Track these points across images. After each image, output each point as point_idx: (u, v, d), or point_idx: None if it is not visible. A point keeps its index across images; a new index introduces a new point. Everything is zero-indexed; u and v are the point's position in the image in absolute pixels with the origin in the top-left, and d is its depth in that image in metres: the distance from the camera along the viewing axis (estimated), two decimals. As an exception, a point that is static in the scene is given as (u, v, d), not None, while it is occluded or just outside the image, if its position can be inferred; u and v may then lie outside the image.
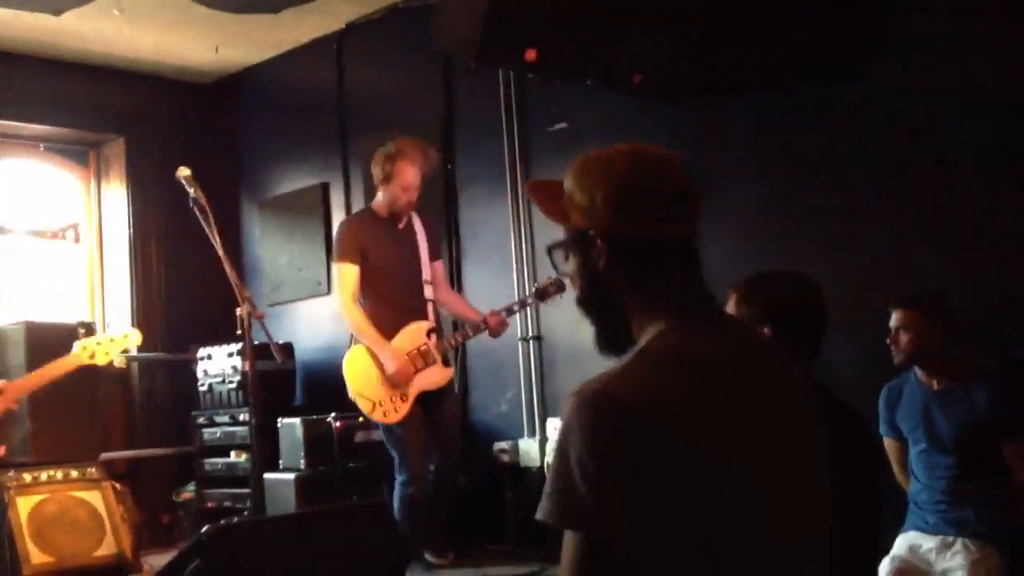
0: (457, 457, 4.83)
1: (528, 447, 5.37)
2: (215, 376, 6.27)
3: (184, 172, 4.16)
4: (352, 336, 4.74)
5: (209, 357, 6.32)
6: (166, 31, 6.40)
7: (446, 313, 5.03)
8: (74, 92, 6.87)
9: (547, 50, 4.45)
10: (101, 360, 4.32)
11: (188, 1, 5.89)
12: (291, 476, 5.39)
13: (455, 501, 5.55)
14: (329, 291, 6.47)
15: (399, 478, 4.65)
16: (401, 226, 4.80)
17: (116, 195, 7.18)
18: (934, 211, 4.21)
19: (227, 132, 7.29)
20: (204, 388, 6.34)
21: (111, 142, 7.23)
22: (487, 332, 4.81)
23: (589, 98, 5.11)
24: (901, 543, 3.57)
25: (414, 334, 4.69)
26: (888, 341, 3.61)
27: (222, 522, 4.29)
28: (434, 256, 4.89)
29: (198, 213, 4.16)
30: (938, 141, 4.18)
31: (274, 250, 6.89)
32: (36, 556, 4.41)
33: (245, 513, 5.76)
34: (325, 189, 6.66)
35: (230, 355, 6.17)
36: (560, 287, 4.79)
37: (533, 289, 4.93)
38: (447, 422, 4.79)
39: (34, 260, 6.94)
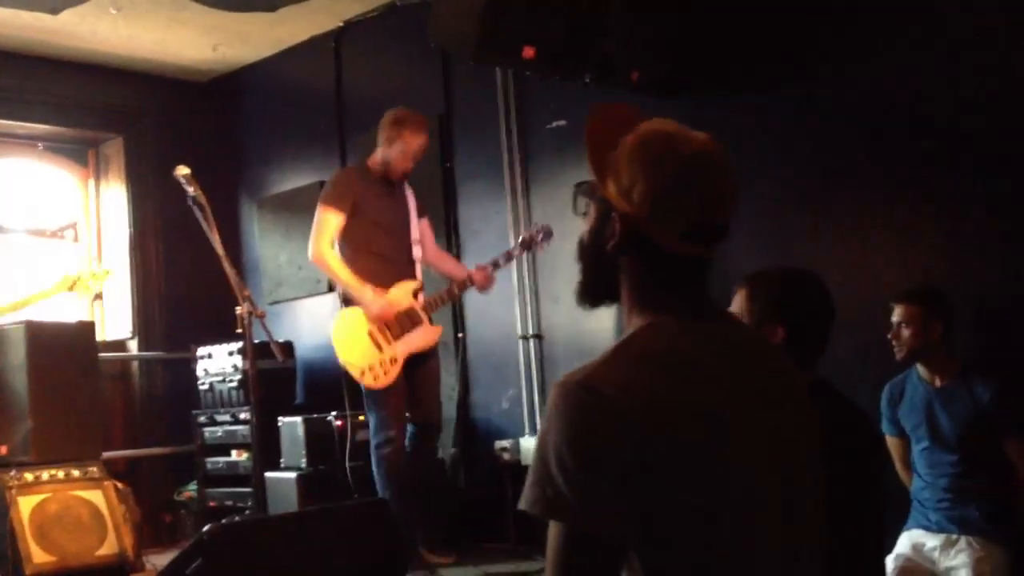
0: (438, 419, 4.82)
1: (529, 445, 5.37)
2: (216, 375, 6.27)
3: (183, 171, 4.16)
4: (340, 295, 4.70)
5: (209, 356, 6.32)
6: (164, 29, 6.40)
7: (433, 271, 5.05)
8: (72, 91, 6.86)
9: (544, 47, 4.46)
10: (82, 291, 4.33)
11: (186, -1, 5.89)
12: (292, 475, 5.39)
13: (454, 499, 5.58)
14: (330, 290, 6.47)
15: (375, 439, 4.61)
16: (394, 188, 4.83)
17: (115, 194, 7.18)
18: (936, 207, 4.21)
19: (225, 130, 7.29)
20: (205, 387, 6.34)
21: (110, 141, 7.22)
22: (475, 288, 4.84)
23: (587, 95, 5.11)
24: (904, 541, 3.57)
25: (401, 294, 4.66)
26: (889, 336, 3.61)
27: (224, 521, 4.29)
28: (421, 213, 4.91)
29: (197, 212, 4.16)
30: (942, 137, 4.18)
31: (274, 248, 6.89)
32: (38, 555, 4.42)
33: (247, 512, 5.76)
34: (323, 187, 6.65)
35: (230, 354, 6.17)
36: (547, 235, 4.83)
37: (519, 240, 4.96)
38: (429, 383, 4.76)
39: (33, 259, 6.93)
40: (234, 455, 6.09)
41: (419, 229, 4.86)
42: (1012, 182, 4.00)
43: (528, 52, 4.42)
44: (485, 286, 4.85)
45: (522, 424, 5.57)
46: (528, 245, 4.87)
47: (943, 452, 3.54)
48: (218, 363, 6.26)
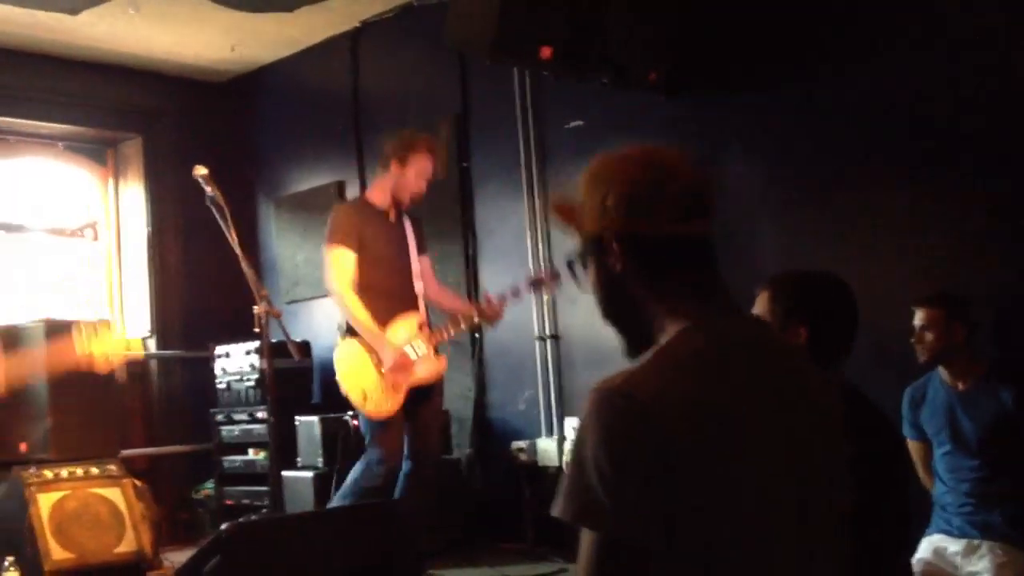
0: (437, 454, 4.66)
1: (546, 446, 5.37)
2: (233, 374, 6.29)
3: (201, 171, 4.17)
4: (342, 326, 4.59)
5: (227, 355, 6.35)
6: (182, 30, 6.43)
7: (435, 308, 4.88)
8: (91, 91, 6.91)
9: (562, 48, 4.46)
10: (100, 367, 4.24)
11: (204, 0, 5.91)
12: (309, 474, 5.40)
13: (470, 500, 5.58)
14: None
15: (364, 466, 4.47)
16: (392, 219, 4.66)
17: (134, 193, 7.22)
18: (957, 209, 4.19)
19: (243, 130, 7.32)
20: (222, 386, 6.36)
21: (129, 141, 7.27)
22: (481, 320, 4.70)
23: (604, 96, 5.11)
24: (926, 546, 3.55)
25: (406, 327, 4.54)
26: (912, 340, 3.59)
27: (241, 519, 4.32)
28: (421, 250, 4.76)
29: (215, 211, 4.18)
30: (961, 138, 4.16)
31: (291, 248, 6.91)
32: (57, 552, 4.44)
33: (263, 511, 5.78)
34: (341, 187, 6.68)
35: (248, 353, 6.19)
36: (555, 277, 4.73)
37: (529, 279, 4.85)
38: (431, 417, 4.62)
39: (53, 258, 6.98)
40: (251, 454, 6.12)
41: (420, 264, 4.70)
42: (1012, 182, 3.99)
43: (545, 52, 4.42)
44: (495, 319, 4.69)
45: (539, 425, 5.57)
46: (537, 285, 4.78)
47: (965, 456, 3.52)
48: (235, 362, 6.29)
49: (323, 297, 6.66)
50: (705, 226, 1.49)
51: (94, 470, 4.79)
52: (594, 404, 1.34)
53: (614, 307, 1.53)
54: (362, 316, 4.41)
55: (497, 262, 5.87)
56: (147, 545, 4.70)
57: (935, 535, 3.56)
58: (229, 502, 6.16)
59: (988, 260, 4.06)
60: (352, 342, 4.48)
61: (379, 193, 4.64)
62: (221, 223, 4.18)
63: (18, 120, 6.73)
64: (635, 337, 1.52)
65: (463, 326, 4.69)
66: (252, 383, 6.16)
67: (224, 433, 6.30)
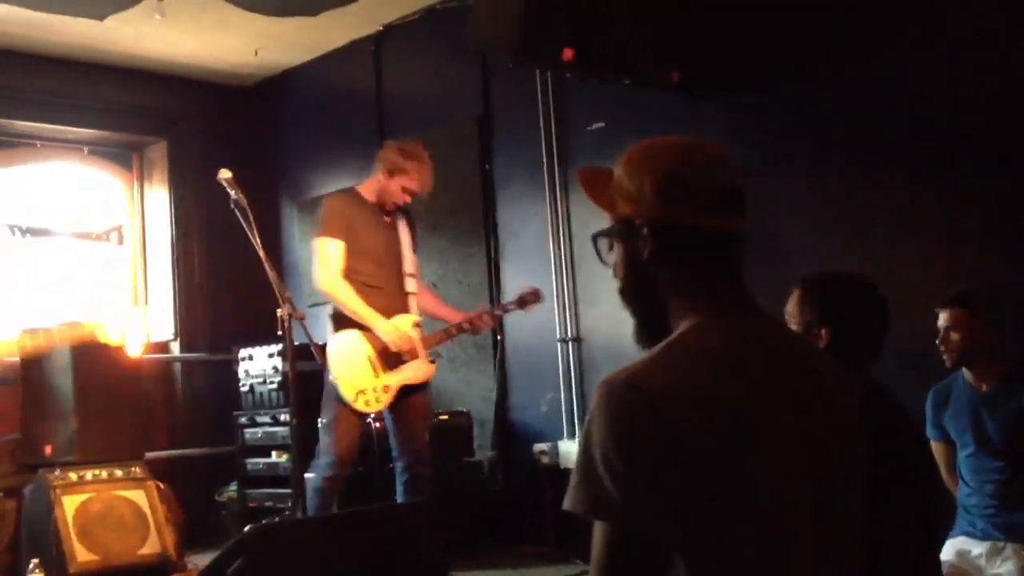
0: (428, 456, 4.57)
1: (568, 449, 5.36)
2: (256, 376, 6.31)
3: (225, 174, 4.18)
4: (333, 320, 4.50)
5: (250, 358, 6.37)
6: (206, 35, 6.47)
7: (423, 313, 4.81)
8: (117, 96, 6.96)
9: (584, 49, 4.45)
10: (113, 339, 4.21)
11: (228, 5, 5.94)
12: (332, 476, 5.40)
13: (491, 502, 5.57)
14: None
15: (319, 466, 4.44)
16: (383, 214, 4.62)
17: (159, 197, 7.26)
18: (979, 209, 4.16)
19: (267, 134, 7.35)
20: (245, 388, 6.38)
21: (154, 145, 7.31)
22: (470, 332, 4.72)
23: (627, 97, 5.10)
24: (949, 548, 3.52)
25: (402, 325, 4.50)
26: (937, 342, 3.56)
27: (264, 522, 4.32)
28: (413, 250, 4.72)
29: (239, 214, 4.19)
30: (983, 138, 4.13)
31: (314, 251, 6.93)
32: (82, 554, 4.46)
33: (286, 513, 5.79)
34: (364, 190, 6.69)
35: (271, 356, 6.21)
36: (537, 297, 4.75)
37: (515, 297, 4.81)
38: (418, 415, 4.57)
39: (79, 262, 7.03)
40: (274, 456, 6.13)
41: (413, 263, 4.67)
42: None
43: (567, 54, 4.41)
44: (480, 330, 4.74)
45: (561, 427, 5.56)
46: (523, 304, 4.76)
47: (989, 458, 3.49)
48: (259, 365, 6.31)
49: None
50: (738, 223, 1.49)
51: (118, 472, 4.82)
52: (603, 396, 1.35)
53: (634, 291, 1.54)
54: (354, 302, 4.37)
55: (519, 263, 5.87)
56: (171, 547, 4.72)
57: (958, 537, 3.54)
58: (252, 504, 6.18)
59: (1011, 260, 4.03)
60: (346, 336, 4.42)
61: (368, 191, 4.62)
62: (245, 226, 4.20)
63: (44, 125, 6.80)
64: (649, 323, 1.52)
65: (454, 333, 4.69)
66: (275, 386, 6.17)
67: (247, 435, 6.32)
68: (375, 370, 4.42)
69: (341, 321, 4.45)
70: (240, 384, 6.41)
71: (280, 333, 4.16)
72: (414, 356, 4.48)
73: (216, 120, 7.24)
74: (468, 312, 4.71)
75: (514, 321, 5.84)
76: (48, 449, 4.91)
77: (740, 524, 1.32)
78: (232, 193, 4.17)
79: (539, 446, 5.42)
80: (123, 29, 6.22)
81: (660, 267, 1.48)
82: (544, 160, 5.69)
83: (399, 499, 4.47)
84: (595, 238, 1.58)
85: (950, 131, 4.15)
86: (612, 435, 1.32)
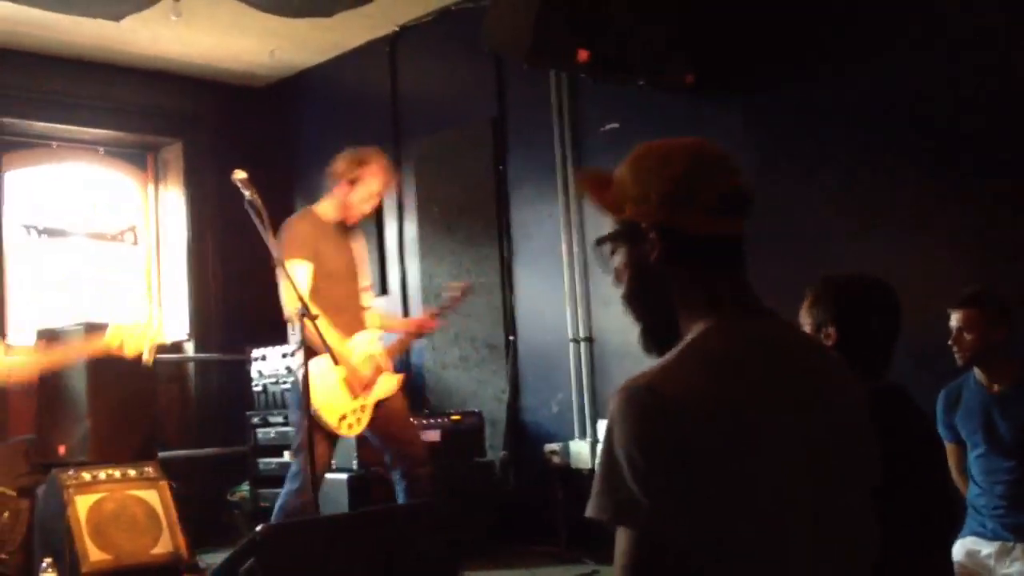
0: (425, 456, 4.54)
1: (579, 449, 5.35)
2: (269, 377, 6.32)
3: (240, 175, 4.18)
4: (301, 347, 4.26)
5: (263, 358, 6.38)
6: (222, 35, 6.49)
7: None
8: (133, 96, 6.99)
9: (598, 51, 4.45)
10: (129, 352, 4.15)
11: (243, 6, 5.95)
12: (344, 476, 5.41)
13: (503, 502, 5.56)
14: (384, 291, 6.51)
15: (291, 485, 4.40)
16: (340, 233, 4.57)
17: (174, 198, 7.29)
18: (994, 209, 4.14)
19: (282, 135, 7.37)
20: (258, 388, 6.40)
21: (169, 145, 7.34)
22: (421, 335, 4.83)
23: (641, 98, 5.09)
24: (959, 548, 3.51)
25: (366, 341, 4.50)
26: (950, 342, 3.55)
27: (276, 522, 4.33)
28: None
29: (253, 215, 4.19)
30: (997, 139, 4.11)
31: (327, 252, 6.94)
32: (95, 553, 4.48)
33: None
34: (378, 191, 6.70)
35: (284, 356, 6.21)
36: (467, 290, 4.88)
37: (452, 295, 4.87)
38: (400, 420, 4.56)
39: (94, 262, 7.06)
40: (286, 456, 6.12)
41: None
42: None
43: (582, 55, 4.41)
44: (429, 331, 4.87)
45: (572, 427, 5.55)
46: (455, 301, 4.87)
47: (999, 458, 3.49)
48: (272, 365, 6.32)
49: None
50: (741, 226, 1.49)
51: (131, 472, 4.83)
52: (622, 402, 1.34)
53: (640, 296, 1.52)
54: (326, 331, 4.15)
55: (532, 264, 5.87)
56: (183, 547, 4.73)
57: (968, 537, 3.54)
58: (264, 504, 6.18)
59: (1020, 259, 4.01)
60: (319, 360, 4.23)
61: (328, 208, 4.57)
62: (259, 227, 4.20)
63: (60, 126, 6.83)
64: (656, 328, 1.51)
65: (408, 341, 4.77)
66: (288, 386, 6.17)
67: (260, 435, 6.34)
68: (351, 391, 4.40)
69: (311, 350, 4.24)
70: (253, 384, 6.43)
71: (296, 344, 4.16)
72: (380, 370, 4.48)
73: (231, 121, 7.26)
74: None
75: (526, 321, 5.85)
76: (62, 449, 4.93)
77: (741, 525, 1.31)
78: (247, 193, 4.17)
79: (550, 446, 5.42)
80: (139, 30, 6.25)
81: (667, 270, 1.47)
82: (558, 161, 5.69)
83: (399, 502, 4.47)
84: (598, 243, 1.56)
85: (950, 130, 4.15)
86: (634, 440, 1.31)
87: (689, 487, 1.29)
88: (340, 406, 4.36)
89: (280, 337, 5.92)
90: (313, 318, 4.05)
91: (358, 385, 4.38)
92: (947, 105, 4.18)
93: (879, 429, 1.50)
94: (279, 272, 4.26)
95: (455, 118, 6.25)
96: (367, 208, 4.55)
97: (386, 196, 4.63)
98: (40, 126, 6.77)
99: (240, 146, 6.77)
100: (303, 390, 4.19)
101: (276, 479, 6.18)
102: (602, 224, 1.56)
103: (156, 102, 7.11)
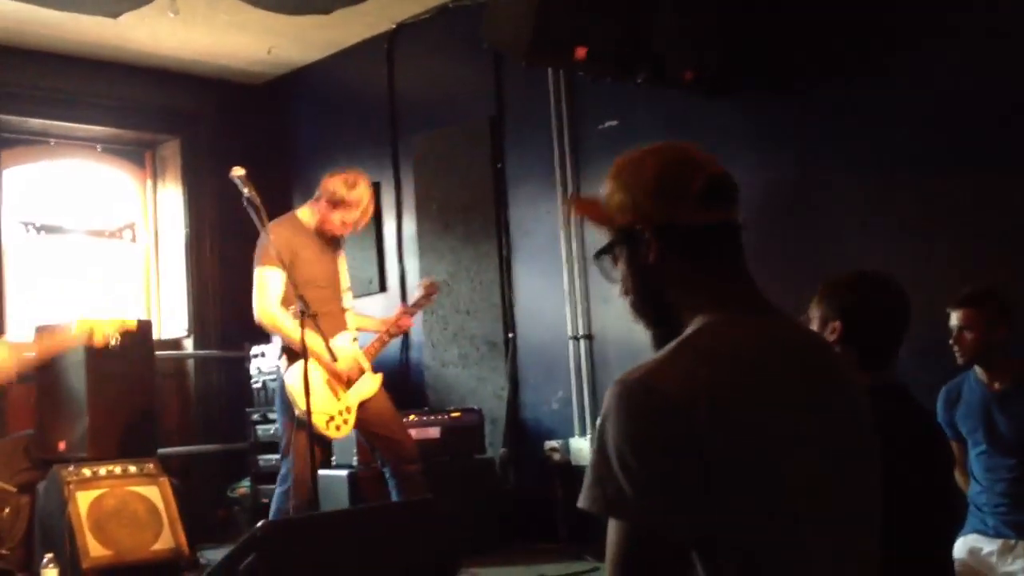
0: (414, 454, 4.57)
1: (579, 446, 5.37)
2: (268, 373, 6.33)
3: (238, 172, 4.20)
4: (283, 351, 4.46)
5: (262, 355, 6.39)
6: (220, 33, 6.48)
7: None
8: (130, 94, 6.98)
9: (597, 48, 4.45)
10: (98, 340, 4.17)
11: (241, 3, 5.95)
12: (344, 473, 5.42)
13: (503, 499, 5.57)
14: (383, 288, 6.52)
15: (284, 487, 4.46)
16: (326, 237, 4.62)
17: (172, 195, 7.28)
18: (993, 208, 4.15)
19: (280, 132, 7.37)
20: (258, 385, 6.40)
21: (167, 143, 7.33)
22: (397, 333, 4.83)
23: (640, 95, 5.09)
24: (960, 546, 3.52)
25: (347, 344, 4.55)
26: (951, 342, 3.56)
27: (276, 518, 4.34)
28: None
29: (252, 212, 4.20)
30: (992, 137, 4.12)
31: (326, 249, 6.95)
32: (95, 549, 4.49)
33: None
34: (376, 188, 6.69)
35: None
36: (433, 287, 4.94)
37: (422, 290, 4.95)
38: (386, 417, 4.58)
39: (92, 259, 7.06)
40: (286, 453, 6.14)
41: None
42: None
43: (580, 53, 4.42)
44: (404, 330, 4.91)
45: (572, 425, 5.56)
46: (428, 297, 4.94)
47: (1001, 456, 3.49)
48: (271, 362, 6.31)
49: (357, 297, 6.69)
50: (732, 214, 1.51)
51: (132, 468, 4.84)
52: (617, 396, 1.36)
53: (645, 300, 1.54)
54: (295, 332, 4.22)
55: (531, 262, 5.88)
56: (184, 543, 4.74)
57: (970, 535, 3.55)
58: (265, 500, 6.19)
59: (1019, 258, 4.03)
60: (301, 364, 4.21)
61: (308, 215, 4.61)
62: (257, 224, 4.21)
63: (58, 123, 6.82)
64: (664, 331, 1.52)
65: (387, 339, 4.78)
66: (276, 392, 6.18)
67: (259, 432, 6.34)
68: (335, 393, 4.45)
69: (293, 354, 4.34)
70: (253, 381, 6.43)
71: (280, 349, 4.17)
72: (361, 370, 4.54)
73: (229, 118, 7.25)
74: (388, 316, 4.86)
75: (526, 319, 5.86)
76: (62, 445, 4.94)
77: (755, 522, 1.33)
78: (245, 191, 4.18)
79: (550, 443, 5.43)
80: (137, 27, 6.24)
81: (666, 268, 1.49)
82: (556, 159, 5.69)
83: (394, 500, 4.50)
84: (598, 256, 1.58)
85: (959, 131, 4.15)
86: (627, 435, 1.33)
87: (679, 481, 1.30)
88: (326, 408, 4.40)
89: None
90: (313, 315, 4.11)
91: (338, 381, 4.43)
92: (950, 106, 4.18)
93: (877, 426, 1.52)
94: (253, 277, 4.38)
95: (454, 115, 6.26)
96: (341, 231, 4.60)
97: (358, 229, 4.72)
98: (38, 123, 6.76)
99: (238, 143, 6.77)
100: (288, 394, 4.28)
101: (276, 475, 6.20)
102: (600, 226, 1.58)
103: (154, 99, 7.10)
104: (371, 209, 4.65)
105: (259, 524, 3.37)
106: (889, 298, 2.28)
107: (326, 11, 6.17)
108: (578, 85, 5.60)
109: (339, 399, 4.45)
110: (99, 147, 7.17)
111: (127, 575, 4.51)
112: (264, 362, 6.37)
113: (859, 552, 1.44)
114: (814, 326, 2.29)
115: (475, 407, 5.81)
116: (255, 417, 6.39)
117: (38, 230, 6.78)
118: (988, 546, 3.48)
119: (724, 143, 4.68)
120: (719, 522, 1.31)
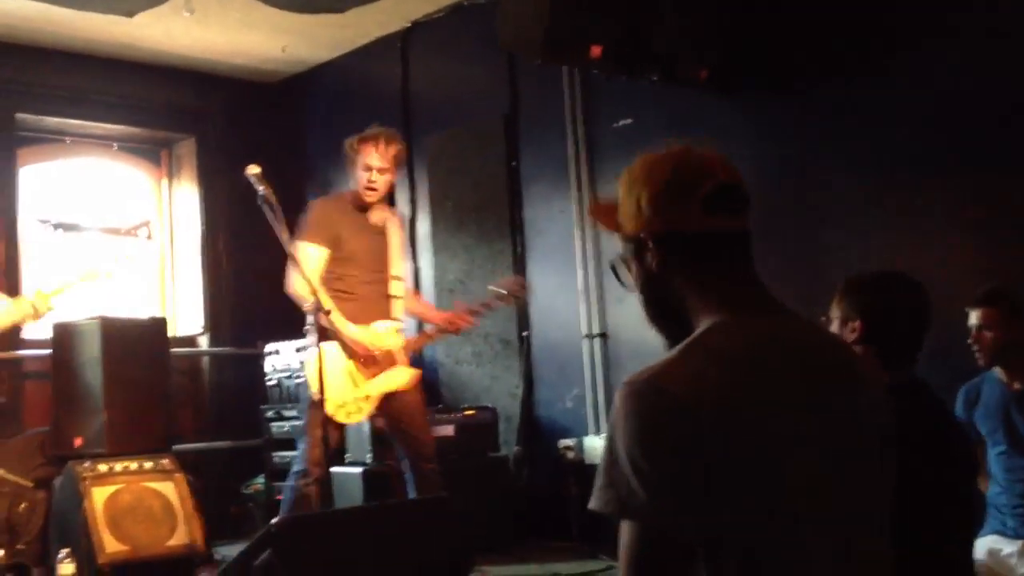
0: (432, 453, 4.54)
1: (593, 444, 5.35)
2: (283, 371, 6.35)
3: (253, 170, 4.20)
4: (314, 330, 4.32)
5: (277, 352, 6.41)
6: (235, 31, 6.51)
7: (409, 315, 4.78)
8: (146, 93, 7.01)
9: (612, 46, 4.45)
10: (42, 309, 4.33)
11: (255, 2, 5.97)
12: (358, 470, 5.44)
13: (517, 497, 5.58)
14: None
15: (297, 467, 4.44)
16: (373, 220, 4.59)
17: (187, 193, 7.32)
18: (1012, 207, 4.14)
19: (294, 130, 7.39)
20: (272, 383, 6.43)
21: (182, 141, 7.37)
22: (452, 331, 4.68)
23: (654, 94, 5.09)
24: (980, 547, 3.50)
25: (383, 332, 4.50)
26: (969, 341, 3.55)
27: (291, 514, 4.35)
28: (403, 254, 4.70)
29: (266, 210, 4.21)
30: (1007, 135, 4.10)
31: (340, 247, 6.96)
32: (111, 545, 4.50)
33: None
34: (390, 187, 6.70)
35: (297, 350, 6.24)
36: (522, 286, 4.77)
37: (498, 292, 4.79)
38: (412, 414, 4.54)
39: (108, 257, 7.07)
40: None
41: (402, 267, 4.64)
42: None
43: (595, 51, 4.41)
44: (461, 329, 4.70)
45: (586, 423, 5.56)
46: (507, 298, 4.75)
47: (1020, 456, 3.47)
48: (285, 359, 6.35)
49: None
50: (739, 221, 1.51)
51: (147, 464, 4.86)
52: (626, 397, 1.36)
53: (655, 307, 1.56)
54: (336, 317, 4.27)
55: (545, 261, 5.88)
56: (199, 539, 4.76)
57: (989, 536, 3.52)
58: (279, 497, 6.20)
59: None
60: (326, 346, 4.24)
61: (352, 193, 4.61)
62: (272, 222, 4.22)
63: (74, 121, 6.86)
64: (678, 337, 1.52)
65: (434, 336, 4.69)
66: (301, 380, 6.20)
67: (274, 429, 6.37)
68: (355, 382, 4.41)
69: (323, 332, 4.31)
70: (267, 378, 6.46)
71: (306, 328, 4.18)
72: (392, 362, 4.47)
73: (244, 116, 7.28)
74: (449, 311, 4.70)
75: (540, 317, 5.86)
76: (78, 441, 4.96)
77: (756, 521, 1.33)
78: (260, 189, 4.18)
79: (565, 442, 5.42)
80: (152, 26, 6.27)
81: (671, 275, 1.51)
82: (570, 157, 5.69)
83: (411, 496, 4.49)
84: (613, 268, 1.61)
85: (959, 131, 4.15)
86: (636, 436, 1.33)
87: (688, 482, 1.31)
88: (341, 394, 4.37)
89: (293, 332, 5.95)
90: (321, 309, 4.11)
91: (360, 355, 4.36)
92: (962, 105, 4.17)
93: (905, 429, 1.51)
94: (291, 252, 4.30)
95: (467, 114, 6.26)
96: (369, 184, 4.50)
97: (383, 169, 4.54)
98: (54, 121, 6.80)
99: (253, 142, 6.78)
100: (313, 371, 4.21)
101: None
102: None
103: (169, 98, 7.13)
104: (393, 163, 4.54)
105: (274, 520, 3.38)
106: (912, 298, 2.27)
107: (340, 10, 6.19)
108: (592, 83, 5.59)
109: (357, 387, 4.42)
110: (115, 145, 7.20)
111: (143, 570, 4.52)
112: (278, 360, 6.39)
113: (861, 552, 1.43)
114: (834, 326, 2.29)
115: (489, 405, 5.82)
116: (269, 414, 6.41)
117: (55, 227, 6.82)
118: (1008, 547, 3.46)
119: (738, 141, 4.68)
120: (724, 522, 1.31)
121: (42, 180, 6.86)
